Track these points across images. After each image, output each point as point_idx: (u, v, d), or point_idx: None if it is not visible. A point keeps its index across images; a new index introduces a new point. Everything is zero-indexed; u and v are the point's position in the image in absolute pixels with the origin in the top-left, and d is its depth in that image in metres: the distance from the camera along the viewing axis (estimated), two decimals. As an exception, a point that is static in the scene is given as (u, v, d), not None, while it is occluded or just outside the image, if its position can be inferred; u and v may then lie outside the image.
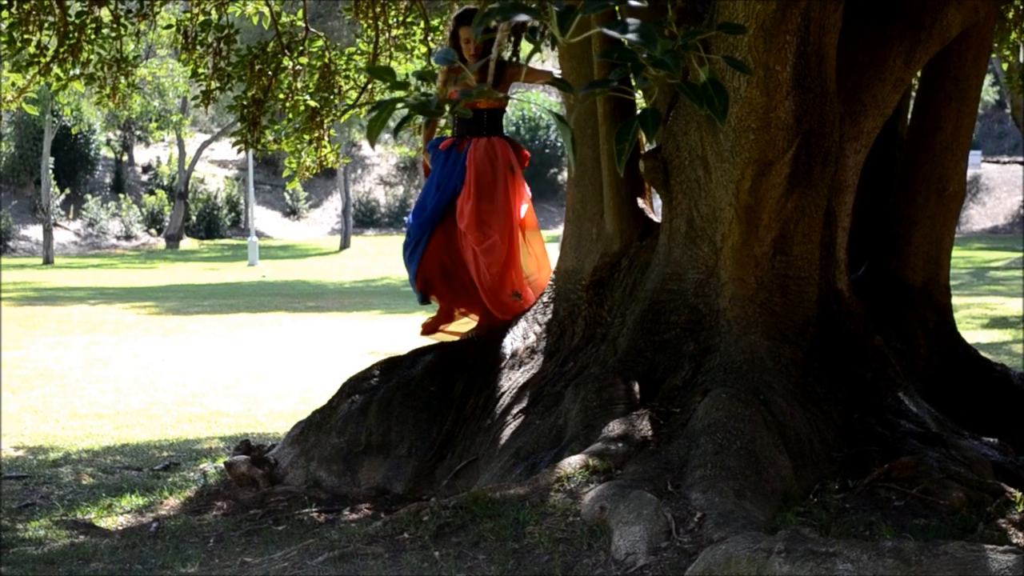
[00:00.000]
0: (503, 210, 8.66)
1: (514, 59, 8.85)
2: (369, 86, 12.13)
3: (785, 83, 6.64)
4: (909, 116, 9.06)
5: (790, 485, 6.54)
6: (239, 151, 12.32)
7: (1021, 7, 11.60)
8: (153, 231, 57.94)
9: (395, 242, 53.79)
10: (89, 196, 56.63)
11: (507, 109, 9.44)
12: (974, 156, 55.86)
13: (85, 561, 6.79)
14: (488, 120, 8.77)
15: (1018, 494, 6.46)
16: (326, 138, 12.31)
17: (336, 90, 12.13)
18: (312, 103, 11.95)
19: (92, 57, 11.46)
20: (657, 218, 8.15)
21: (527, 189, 8.98)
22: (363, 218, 63.70)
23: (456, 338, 8.93)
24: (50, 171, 48.38)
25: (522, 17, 3.58)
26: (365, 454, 8.05)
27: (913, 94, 9.22)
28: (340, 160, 12.78)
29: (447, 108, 3.79)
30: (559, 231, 9.18)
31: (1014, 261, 38.52)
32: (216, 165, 64.66)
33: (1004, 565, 4.97)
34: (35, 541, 7.25)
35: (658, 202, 8.03)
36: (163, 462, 9.67)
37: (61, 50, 11.03)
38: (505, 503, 6.34)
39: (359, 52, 12.52)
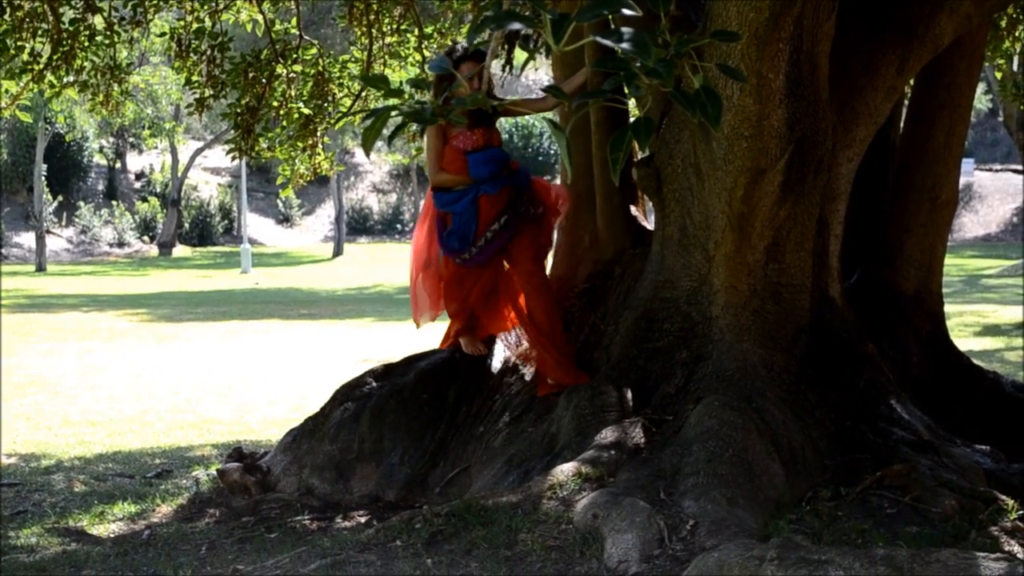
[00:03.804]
0: None
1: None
2: (363, 94, 12.13)
3: (778, 91, 6.61)
4: (902, 124, 9.07)
5: (782, 493, 6.54)
6: (233, 158, 12.34)
7: (1014, 15, 11.64)
8: (146, 238, 57.93)
9: (388, 249, 53.95)
10: (82, 203, 56.63)
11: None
12: (967, 164, 55.97)
13: (77, 569, 6.76)
14: None
15: (1010, 502, 6.46)
16: (320, 145, 12.32)
17: (330, 98, 12.14)
18: (306, 111, 11.97)
19: (86, 64, 11.47)
20: (650, 226, 8.15)
21: None
22: (356, 225, 63.70)
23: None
24: (43, 178, 48.37)
25: (516, 25, 3.58)
26: (358, 461, 8.03)
27: (906, 102, 9.23)
28: (333, 167, 12.78)
29: (442, 116, 3.80)
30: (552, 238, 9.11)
31: (1007, 269, 38.57)
32: (209, 172, 64.63)
33: (996, 573, 4.97)
34: (27, 549, 7.22)
35: (651, 209, 8.03)
36: (155, 469, 9.65)
37: (55, 57, 11.03)
38: (498, 510, 6.34)
39: (353, 60, 12.54)
